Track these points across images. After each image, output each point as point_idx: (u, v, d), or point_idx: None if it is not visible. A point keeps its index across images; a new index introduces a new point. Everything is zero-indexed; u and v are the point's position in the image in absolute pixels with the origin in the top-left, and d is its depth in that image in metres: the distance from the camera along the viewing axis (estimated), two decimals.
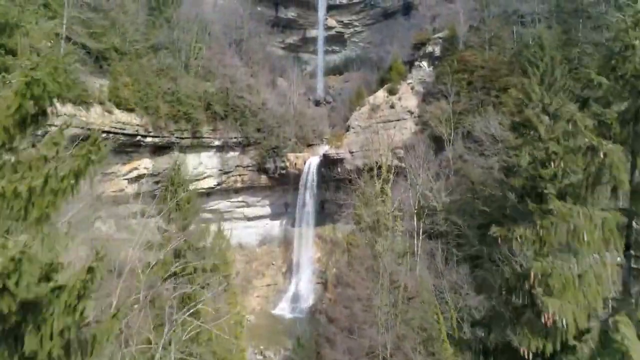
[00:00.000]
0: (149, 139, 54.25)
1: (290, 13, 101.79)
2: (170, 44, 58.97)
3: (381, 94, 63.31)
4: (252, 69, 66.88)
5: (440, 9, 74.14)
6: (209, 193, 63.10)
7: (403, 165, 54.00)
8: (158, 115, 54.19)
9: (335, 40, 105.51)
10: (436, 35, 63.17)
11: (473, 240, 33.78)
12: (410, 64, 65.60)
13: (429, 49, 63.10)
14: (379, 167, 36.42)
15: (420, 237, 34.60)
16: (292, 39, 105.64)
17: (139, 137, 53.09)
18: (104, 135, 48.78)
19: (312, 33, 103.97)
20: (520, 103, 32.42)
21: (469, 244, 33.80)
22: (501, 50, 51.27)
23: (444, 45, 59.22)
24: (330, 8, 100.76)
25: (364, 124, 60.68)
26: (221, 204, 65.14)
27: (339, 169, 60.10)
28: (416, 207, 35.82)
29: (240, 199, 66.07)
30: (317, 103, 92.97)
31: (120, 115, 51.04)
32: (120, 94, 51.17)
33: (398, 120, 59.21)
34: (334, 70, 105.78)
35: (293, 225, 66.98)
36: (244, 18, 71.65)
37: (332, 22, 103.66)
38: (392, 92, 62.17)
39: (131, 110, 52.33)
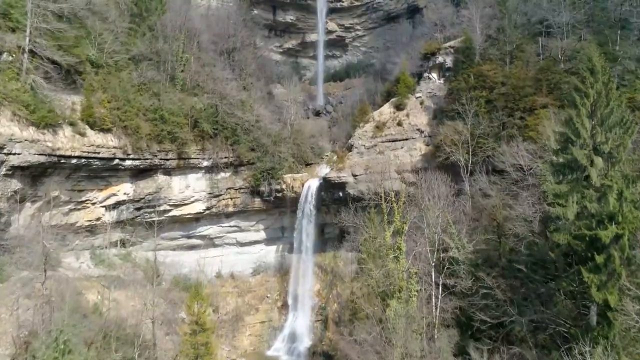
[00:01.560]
0: (128, 162, 48.50)
1: (289, 17, 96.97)
2: (153, 55, 53.05)
3: (387, 109, 57.44)
4: (244, 81, 60.88)
5: (448, 14, 68.75)
6: (197, 218, 57.29)
7: (412, 190, 48.45)
8: (138, 135, 48.34)
9: (336, 44, 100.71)
10: (447, 45, 57.31)
11: (504, 303, 27.95)
12: (418, 76, 59.73)
13: (440, 59, 57.25)
14: (389, 213, 30.50)
15: (440, 297, 28.81)
16: (291, 43, 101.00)
17: (116, 161, 47.24)
18: (73, 161, 43.10)
19: (311, 37, 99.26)
20: (564, 139, 26.54)
21: (500, 309, 27.94)
22: (524, 65, 45.18)
23: (457, 56, 53.21)
24: (331, 11, 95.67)
25: (369, 143, 54.82)
26: (211, 229, 59.28)
27: (341, 194, 54.28)
28: (434, 260, 29.97)
29: (232, 223, 60.14)
30: (317, 113, 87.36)
31: (95, 137, 45.27)
32: (95, 113, 45.45)
33: (406, 139, 53.42)
34: (334, 77, 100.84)
35: (290, 252, 61.20)
36: (237, 25, 65.60)
37: (332, 25, 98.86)
38: (399, 107, 56.31)
39: (107, 131, 46.62)
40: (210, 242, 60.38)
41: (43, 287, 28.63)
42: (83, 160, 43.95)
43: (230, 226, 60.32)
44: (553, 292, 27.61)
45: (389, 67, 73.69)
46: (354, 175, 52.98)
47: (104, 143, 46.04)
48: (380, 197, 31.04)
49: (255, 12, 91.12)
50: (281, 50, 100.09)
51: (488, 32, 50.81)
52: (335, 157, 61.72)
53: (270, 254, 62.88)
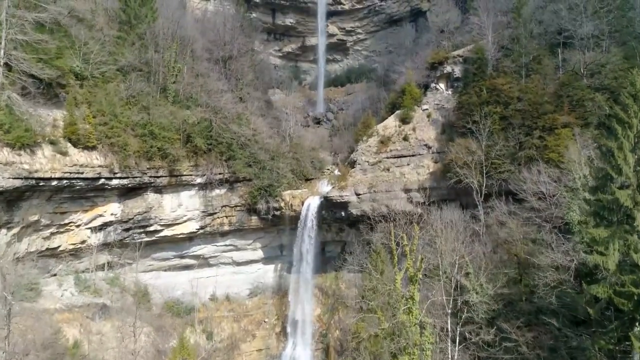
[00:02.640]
0: (115, 182, 45.15)
1: (289, 20, 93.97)
2: (143, 65, 49.63)
3: (392, 122, 54.06)
4: (241, 92, 57.41)
5: (453, 18, 65.79)
6: (190, 237, 53.96)
7: (419, 210, 45.34)
8: (126, 152, 44.97)
9: (337, 48, 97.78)
10: (455, 53, 53.95)
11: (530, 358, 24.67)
12: (425, 86, 56.40)
13: (448, 68, 53.98)
14: (402, 252, 27.19)
15: (457, 349, 25.51)
16: (290, 47, 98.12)
17: (102, 180, 43.90)
18: (54, 183, 39.74)
19: (311, 41, 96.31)
20: (602, 175, 23.21)
21: None
22: (542, 79, 41.71)
23: (467, 67, 49.77)
24: (331, 14, 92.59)
25: (373, 159, 51.47)
26: (205, 249, 55.95)
27: (343, 213, 50.99)
28: (450, 307, 26.63)
29: (227, 242, 56.77)
30: (317, 121, 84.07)
31: (78, 157, 41.96)
32: (78, 129, 42.16)
33: (413, 155, 50.08)
34: (335, 82, 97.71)
35: (289, 271, 57.83)
36: (234, 30, 62.10)
37: (333, 29, 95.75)
38: (404, 120, 52.94)
39: (92, 149, 43.37)
40: (205, 261, 57.10)
41: (6, 343, 25.29)
42: (65, 181, 40.64)
43: (225, 245, 56.99)
44: (586, 347, 24.30)
45: (392, 75, 70.42)
46: (357, 194, 49.62)
47: (89, 162, 42.70)
48: (390, 238, 27.81)
49: (254, 15, 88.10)
50: (280, 54, 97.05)
51: (501, 41, 47.31)
52: (336, 171, 58.52)
53: (268, 273, 59.55)
